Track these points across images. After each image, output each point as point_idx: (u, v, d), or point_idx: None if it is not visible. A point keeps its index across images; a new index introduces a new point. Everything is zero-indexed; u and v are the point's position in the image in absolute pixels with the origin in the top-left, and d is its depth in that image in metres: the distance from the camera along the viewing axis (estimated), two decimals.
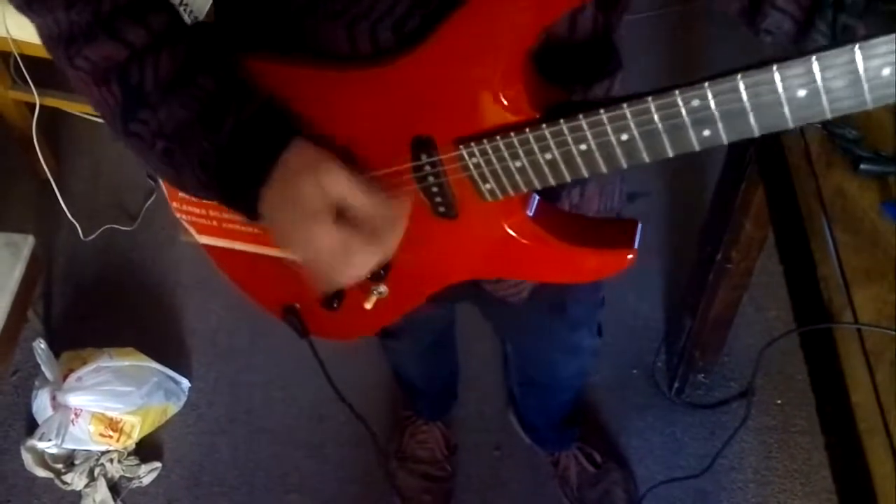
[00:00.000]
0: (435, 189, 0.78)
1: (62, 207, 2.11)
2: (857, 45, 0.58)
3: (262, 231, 0.89)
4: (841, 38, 0.70)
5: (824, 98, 0.60)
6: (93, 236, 2.14)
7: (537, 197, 0.81)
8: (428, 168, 0.77)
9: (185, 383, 1.92)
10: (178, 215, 0.96)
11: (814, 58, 0.59)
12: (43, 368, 1.75)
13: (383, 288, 0.90)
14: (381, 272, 0.87)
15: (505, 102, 0.72)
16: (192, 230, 0.97)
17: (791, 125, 0.63)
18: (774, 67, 0.60)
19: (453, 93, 0.73)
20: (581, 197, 0.95)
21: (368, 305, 0.91)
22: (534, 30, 0.68)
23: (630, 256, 0.79)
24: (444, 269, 0.88)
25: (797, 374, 1.85)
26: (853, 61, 0.58)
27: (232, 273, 1.02)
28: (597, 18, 0.81)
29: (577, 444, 1.77)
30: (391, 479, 1.79)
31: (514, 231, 0.81)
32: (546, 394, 1.64)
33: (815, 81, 0.60)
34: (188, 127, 0.74)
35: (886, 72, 0.58)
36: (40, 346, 1.72)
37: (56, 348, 1.82)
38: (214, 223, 0.94)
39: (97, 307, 2.07)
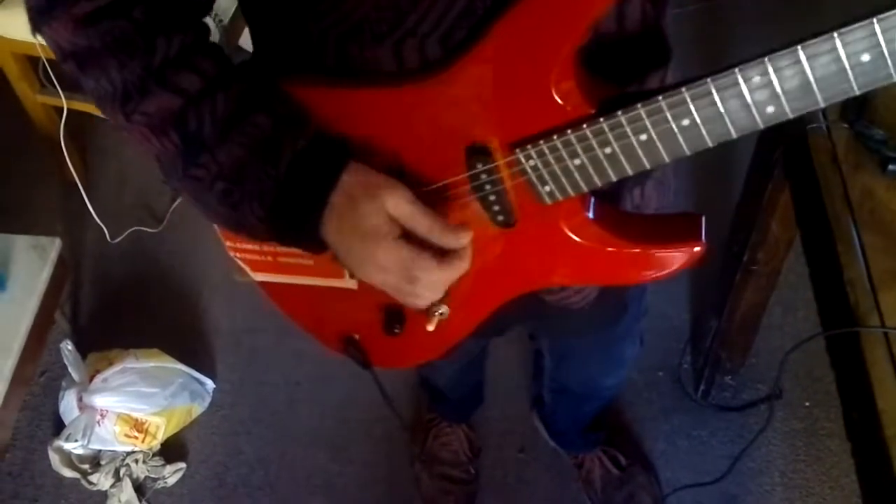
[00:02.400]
0: (493, 197, 0.78)
1: (89, 210, 2.13)
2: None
3: (317, 263, 0.89)
4: None
5: (889, 60, 0.59)
6: (119, 238, 2.16)
7: (594, 198, 0.80)
8: (484, 176, 0.76)
9: (210, 384, 1.93)
10: (232, 254, 0.96)
11: (875, 20, 0.58)
12: (70, 370, 1.77)
13: (444, 308, 0.87)
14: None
15: (559, 100, 0.70)
16: (246, 268, 0.97)
17: (857, 91, 0.62)
18: (835, 34, 0.59)
19: (505, 96, 0.72)
20: (641, 197, 0.94)
21: (431, 327, 0.88)
22: (582, 24, 0.67)
23: (698, 249, 0.78)
24: (506, 281, 0.86)
25: (825, 376, 1.82)
26: None
27: (289, 309, 1.01)
28: (645, 9, 0.79)
29: (601, 446, 1.76)
30: (415, 480, 1.79)
31: (575, 234, 0.79)
32: (579, 403, 1.63)
33: (879, 45, 0.59)
34: (246, 165, 0.74)
35: None
36: (67, 347, 1.74)
37: (83, 349, 1.83)
38: (269, 258, 0.93)
39: (123, 308, 2.09)
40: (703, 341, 1.77)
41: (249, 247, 0.94)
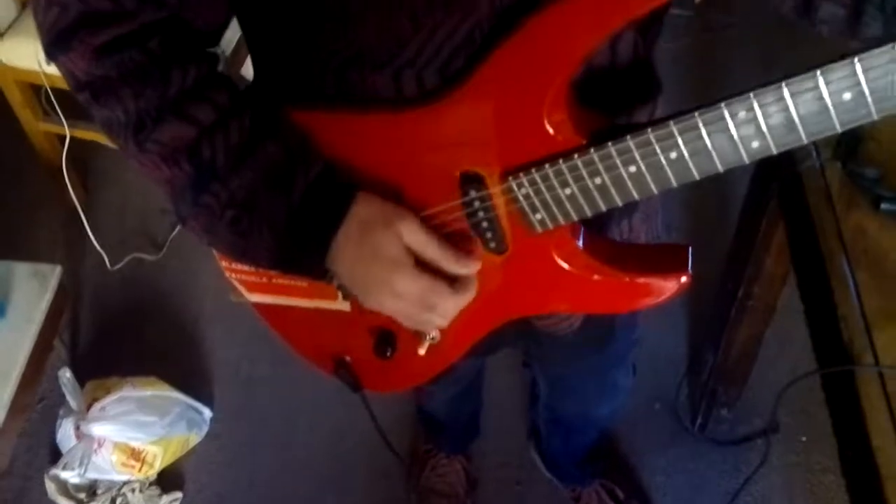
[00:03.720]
0: (485, 224, 0.79)
1: (89, 237, 2.14)
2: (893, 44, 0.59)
3: (311, 284, 0.90)
4: (893, 20, 0.71)
5: (869, 99, 0.61)
6: (119, 265, 2.17)
7: (584, 228, 0.81)
8: (477, 203, 0.78)
9: (207, 413, 1.93)
10: (228, 274, 0.97)
11: (856, 59, 0.60)
12: (68, 398, 1.77)
13: (435, 333, 0.90)
14: None
15: (551, 130, 0.72)
16: (242, 289, 0.98)
17: (839, 129, 0.64)
18: (818, 72, 0.61)
19: (499, 125, 0.74)
20: (630, 229, 0.95)
21: (422, 351, 0.91)
22: (575, 58, 0.69)
23: (684, 279, 0.80)
24: (497, 307, 0.87)
25: (821, 411, 1.81)
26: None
27: (283, 330, 1.02)
28: (636, 43, 0.81)
29: (598, 479, 1.76)
30: None
31: (566, 263, 0.81)
32: (574, 433, 1.63)
33: (859, 84, 0.61)
34: (258, 193, 0.76)
35: None
36: (65, 375, 1.74)
37: (81, 376, 1.83)
38: (264, 279, 0.95)
39: (122, 336, 2.09)
40: (700, 374, 1.77)
41: (245, 268, 0.95)
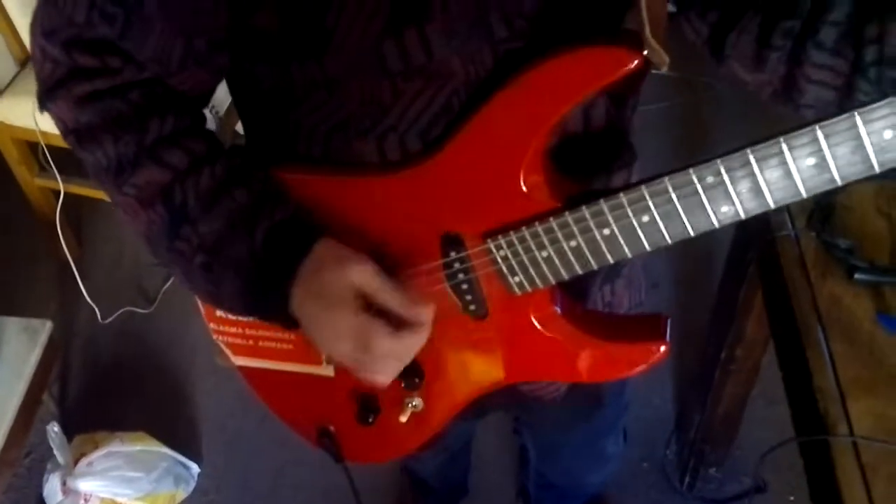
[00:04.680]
0: (465, 286, 0.81)
1: (81, 290, 2.16)
2: (856, 112, 0.61)
3: (296, 347, 0.91)
4: (891, 92, 0.68)
5: (832, 165, 0.63)
6: (110, 319, 2.18)
7: (564, 294, 0.82)
8: (457, 265, 0.80)
9: (195, 468, 1.93)
10: (215, 336, 0.99)
11: (817, 127, 0.62)
12: (55, 452, 1.77)
13: (417, 400, 0.90)
14: (416, 380, 0.88)
15: (527, 194, 0.75)
16: (228, 351, 0.99)
17: (804, 195, 0.66)
18: (781, 139, 0.63)
19: (477, 188, 0.76)
20: (612, 295, 0.96)
21: (403, 418, 0.91)
22: (548, 123, 0.72)
23: (662, 349, 0.81)
24: (478, 374, 0.88)
25: None
26: (855, 126, 0.61)
27: (267, 397, 1.03)
28: (609, 111, 0.83)
29: None
30: None
31: (544, 328, 0.82)
32: (563, 498, 1.62)
33: (821, 150, 0.63)
34: (225, 238, 0.78)
35: (889, 135, 0.61)
36: (53, 429, 1.74)
37: (69, 430, 1.83)
38: (251, 342, 0.96)
39: (112, 389, 2.09)
40: (688, 433, 1.78)
41: (232, 329, 0.97)
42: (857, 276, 1.05)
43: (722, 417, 1.64)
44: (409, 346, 0.78)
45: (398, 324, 0.76)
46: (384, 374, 0.79)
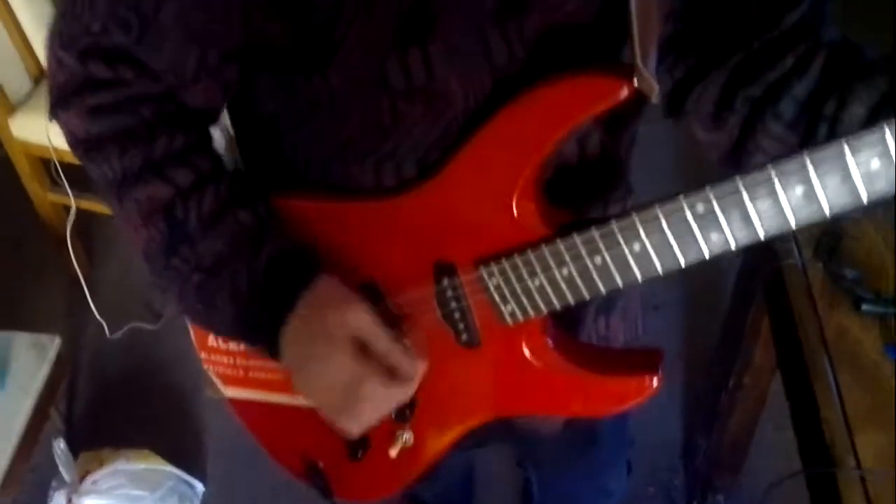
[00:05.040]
0: (457, 314, 0.81)
1: (90, 305, 2.17)
2: (844, 140, 0.61)
3: (286, 377, 0.88)
4: None
5: (820, 195, 0.63)
6: (118, 334, 2.19)
7: (556, 326, 0.82)
8: (450, 292, 0.80)
9: (200, 487, 1.92)
10: (205, 367, 0.99)
11: (805, 154, 0.62)
12: (61, 469, 1.77)
13: (408, 434, 0.88)
14: (406, 412, 0.87)
15: (520, 221, 0.75)
16: (218, 381, 0.99)
17: (794, 226, 0.65)
18: (770, 167, 0.63)
19: (470, 216, 0.77)
20: (607, 328, 0.96)
21: (394, 453, 0.89)
22: (541, 151, 0.72)
23: (655, 383, 0.80)
24: (469, 406, 0.87)
25: None
26: (842, 154, 0.61)
27: (257, 430, 1.02)
28: (604, 141, 0.84)
29: None
30: None
31: (536, 360, 0.81)
32: None
33: (810, 180, 0.62)
34: (224, 261, 0.78)
35: (876, 164, 0.60)
36: (59, 446, 1.74)
37: (75, 446, 1.84)
38: (241, 372, 0.96)
39: (118, 406, 2.10)
40: (695, 459, 1.77)
41: (223, 359, 0.96)
42: (864, 307, 1.04)
43: (729, 444, 1.63)
44: (394, 398, 0.77)
45: (390, 369, 0.76)
46: (360, 422, 0.78)
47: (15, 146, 2.04)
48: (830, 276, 1.08)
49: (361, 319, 0.76)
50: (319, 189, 0.82)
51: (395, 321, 0.81)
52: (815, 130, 0.72)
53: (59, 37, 0.76)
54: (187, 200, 0.77)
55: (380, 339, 0.76)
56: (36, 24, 1.97)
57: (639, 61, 0.68)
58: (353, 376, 0.75)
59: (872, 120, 0.69)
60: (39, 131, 1.97)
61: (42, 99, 1.97)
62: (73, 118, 0.77)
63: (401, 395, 0.77)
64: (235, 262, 0.78)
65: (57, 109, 0.78)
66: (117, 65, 0.74)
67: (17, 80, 2.03)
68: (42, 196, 2.17)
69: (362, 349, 0.75)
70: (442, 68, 0.72)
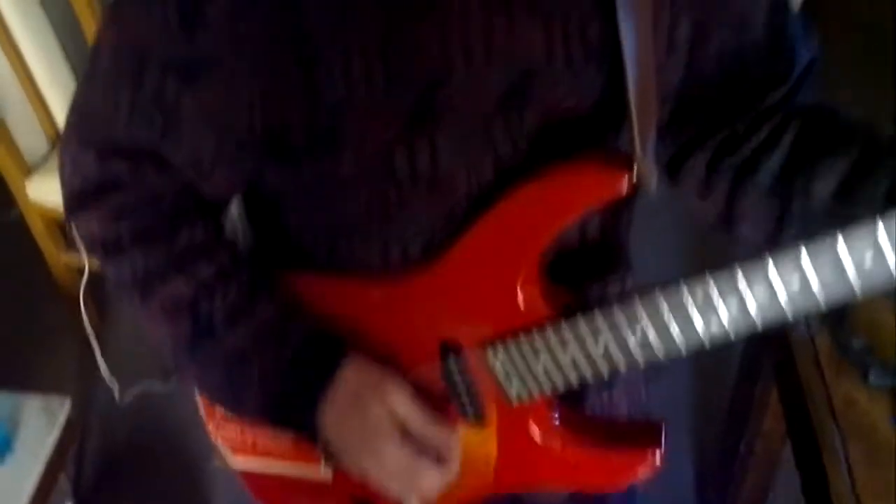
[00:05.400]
0: (464, 392, 0.82)
1: (101, 366, 2.17)
2: (839, 234, 0.62)
3: (296, 446, 0.91)
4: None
5: (816, 288, 0.64)
6: (129, 397, 2.19)
7: (561, 403, 0.83)
8: (456, 371, 0.81)
9: None
10: (213, 436, 0.99)
11: (802, 247, 0.63)
12: None
13: None
14: None
15: (523, 304, 0.76)
16: (227, 451, 0.99)
17: (790, 317, 0.66)
18: (769, 257, 0.64)
19: (475, 298, 0.78)
20: (610, 399, 0.96)
21: None
22: (546, 237, 0.74)
23: (657, 456, 0.81)
24: (475, 482, 0.87)
25: None
26: (836, 249, 0.62)
27: (265, 500, 1.03)
28: (604, 225, 0.85)
29: None
30: None
31: (542, 436, 0.82)
32: None
33: (804, 272, 0.63)
34: (251, 353, 0.79)
35: (869, 260, 0.62)
36: None
37: None
38: (249, 442, 0.96)
39: (127, 471, 2.09)
40: None
41: (232, 428, 0.97)
42: (871, 378, 1.04)
43: None
44: (445, 477, 0.80)
45: (436, 450, 0.79)
46: (426, 496, 0.81)
47: (31, 208, 2.07)
48: (838, 347, 1.08)
49: (403, 404, 0.78)
50: (327, 267, 0.84)
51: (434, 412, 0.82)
52: (791, 204, 0.74)
53: (77, 137, 0.77)
54: (211, 296, 0.78)
55: (422, 423, 0.78)
56: (54, 88, 2.02)
57: (638, 153, 0.70)
58: (406, 462, 0.78)
59: (842, 196, 0.71)
60: (55, 193, 1.97)
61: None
62: (92, 221, 0.78)
63: (449, 474, 0.80)
64: (262, 353, 0.79)
65: (74, 213, 0.79)
66: (138, 162, 0.76)
67: (34, 143, 2.07)
68: (56, 257, 2.20)
69: (405, 432, 0.78)
70: (447, 158, 0.74)
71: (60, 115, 2.04)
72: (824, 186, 0.72)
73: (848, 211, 0.70)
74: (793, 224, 0.75)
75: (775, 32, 0.77)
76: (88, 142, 0.77)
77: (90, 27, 1.93)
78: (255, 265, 0.83)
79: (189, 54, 0.70)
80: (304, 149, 0.75)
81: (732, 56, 0.78)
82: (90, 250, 0.82)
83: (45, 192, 2.03)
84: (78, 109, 0.79)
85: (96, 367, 2.18)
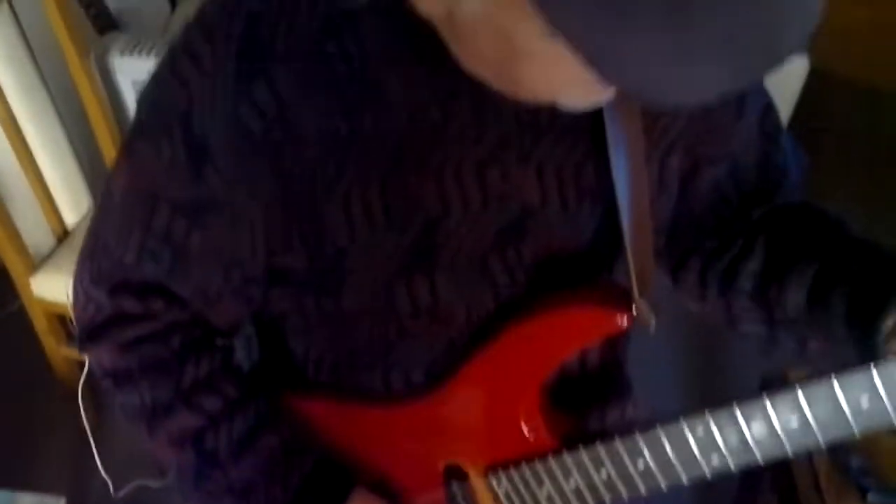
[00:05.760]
0: None
1: (97, 461, 2.16)
2: (834, 377, 0.64)
3: None
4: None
5: (815, 427, 0.66)
6: (123, 492, 2.17)
7: None
8: (460, 496, 0.82)
9: None
10: None
11: (798, 388, 0.65)
12: None
13: None
14: None
15: (527, 433, 0.78)
16: None
17: (790, 454, 0.68)
18: (765, 397, 0.67)
19: (479, 424, 0.80)
20: None
21: None
22: (548, 368, 0.76)
23: None
24: None
25: None
26: (833, 392, 0.64)
27: None
28: (604, 355, 0.87)
29: None
30: None
31: None
32: None
33: (803, 412, 0.66)
34: (256, 484, 0.81)
35: (865, 402, 0.64)
36: None
37: None
38: None
39: None
40: None
41: None
42: (870, 497, 1.05)
43: None
44: None
45: None
46: None
47: (34, 303, 2.09)
48: (837, 466, 1.09)
49: None
50: (331, 391, 0.85)
51: None
52: (772, 311, 0.76)
53: (89, 273, 0.79)
54: (217, 429, 0.80)
55: None
56: (62, 184, 2.05)
57: (636, 293, 0.72)
58: None
59: (814, 307, 0.73)
60: (59, 289, 2.01)
61: (63, 258, 2.03)
62: (102, 352, 0.80)
63: None
64: (268, 485, 0.81)
65: (86, 343, 0.81)
66: (148, 297, 0.78)
67: (41, 239, 2.09)
68: (56, 350, 2.20)
69: None
70: (447, 293, 0.76)
71: (67, 212, 2.08)
72: (794, 297, 0.74)
73: (824, 322, 0.73)
74: (781, 329, 0.77)
75: (767, 157, 0.81)
76: (99, 278, 0.78)
77: (100, 125, 1.99)
78: (261, 394, 0.84)
79: (197, 195, 0.72)
80: (308, 283, 0.77)
81: (724, 185, 0.81)
82: (101, 378, 0.83)
83: (49, 288, 2.05)
84: (91, 243, 0.81)
85: (93, 461, 2.17)
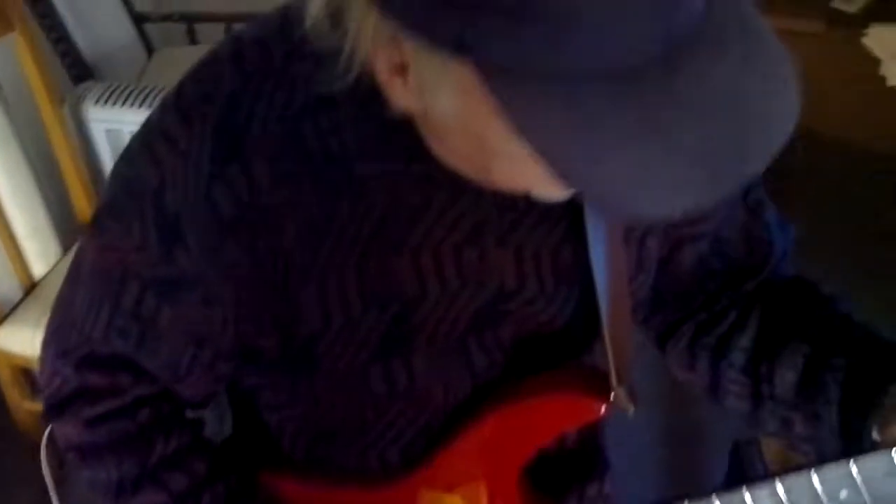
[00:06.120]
0: None
1: None
2: (813, 470, 0.64)
3: None
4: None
5: None
6: None
7: None
8: None
9: None
10: None
11: (777, 480, 0.65)
12: None
13: None
14: None
15: None
16: None
17: None
18: (744, 488, 0.67)
19: None
20: None
21: None
22: (525, 455, 0.75)
23: None
24: None
25: None
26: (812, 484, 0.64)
27: None
28: (583, 436, 0.86)
29: None
30: None
31: None
32: None
33: (782, 501, 0.65)
34: None
35: (844, 494, 0.63)
36: None
37: None
38: None
39: None
40: None
41: None
42: None
43: None
44: None
45: None
46: None
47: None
48: None
49: None
50: (306, 467, 0.84)
51: None
52: (760, 387, 0.76)
53: (55, 346, 0.78)
54: None
55: None
56: (31, 234, 2.02)
57: (614, 380, 0.72)
58: None
59: (805, 389, 0.73)
60: (24, 342, 1.97)
61: (30, 310, 2.00)
62: (68, 427, 0.79)
63: None
64: None
65: (52, 416, 0.79)
66: (114, 372, 0.76)
67: (7, 290, 2.05)
68: (19, 404, 2.15)
69: None
70: (424, 375, 0.76)
71: (36, 263, 2.05)
72: (785, 376, 0.74)
73: (814, 403, 0.73)
74: (768, 406, 0.76)
75: (750, 232, 0.81)
76: (66, 352, 0.77)
77: (72, 175, 1.97)
78: (232, 471, 0.82)
79: (168, 273, 0.70)
80: (280, 362, 0.76)
81: (708, 259, 0.81)
82: (66, 452, 0.81)
83: (14, 340, 2.00)
84: (59, 315, 0.80)
85: None
